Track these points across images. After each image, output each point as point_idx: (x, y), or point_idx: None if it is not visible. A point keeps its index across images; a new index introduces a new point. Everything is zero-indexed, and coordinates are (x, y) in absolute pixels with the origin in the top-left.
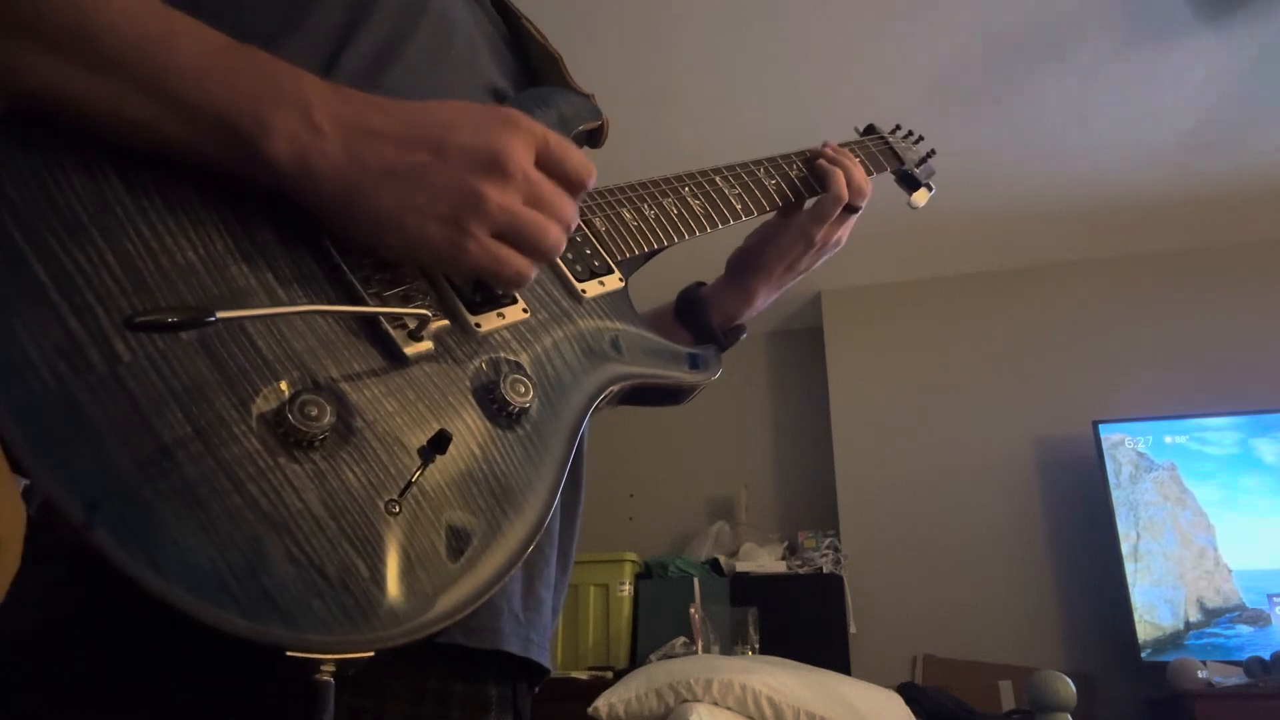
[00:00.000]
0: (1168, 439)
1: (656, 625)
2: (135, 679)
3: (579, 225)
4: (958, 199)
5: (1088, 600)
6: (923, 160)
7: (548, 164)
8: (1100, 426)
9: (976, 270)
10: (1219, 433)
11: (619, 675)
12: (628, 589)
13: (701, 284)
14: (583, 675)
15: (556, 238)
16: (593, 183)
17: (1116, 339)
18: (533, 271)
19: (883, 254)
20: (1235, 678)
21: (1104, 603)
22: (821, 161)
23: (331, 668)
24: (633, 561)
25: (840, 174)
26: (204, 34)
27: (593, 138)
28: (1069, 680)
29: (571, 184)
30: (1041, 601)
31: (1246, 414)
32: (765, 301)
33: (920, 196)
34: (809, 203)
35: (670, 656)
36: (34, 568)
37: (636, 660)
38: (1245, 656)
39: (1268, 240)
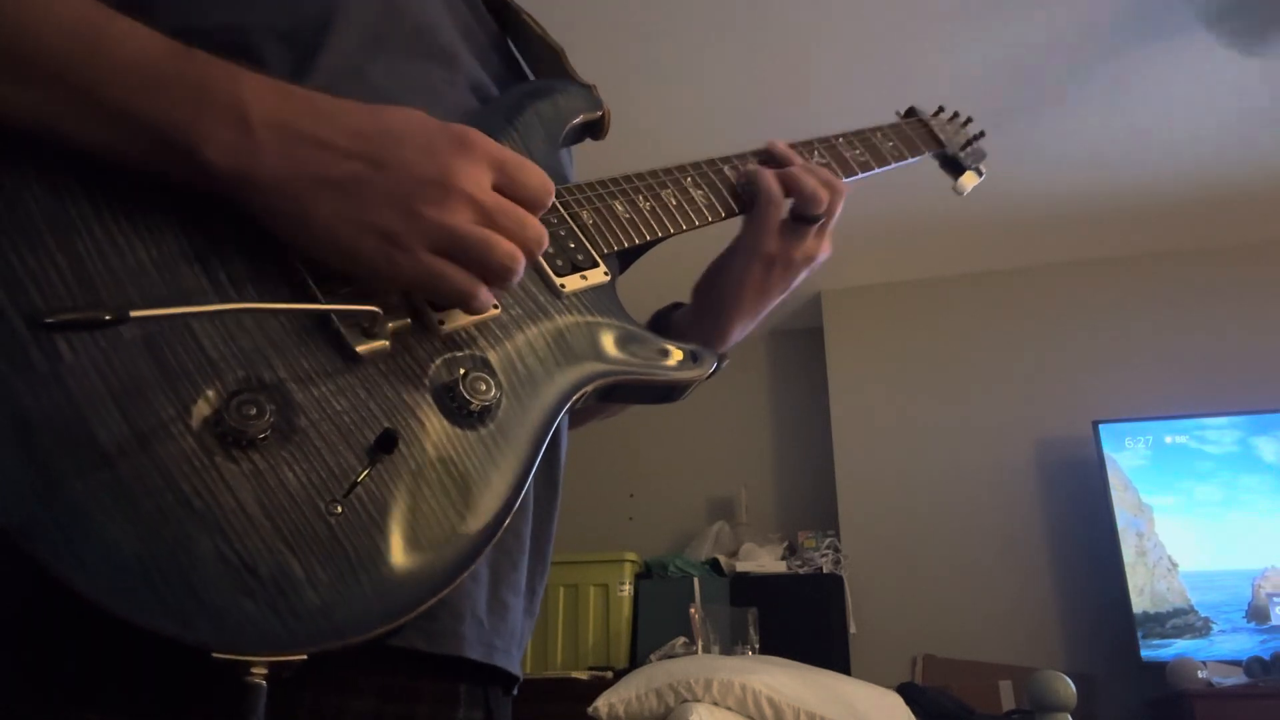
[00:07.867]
0: (1168, 439)
1: (656, 625)
2: (77, 686)
3: (565, 219)
4: (958, 199)
5: (1088, 600)
6: (969, 142)
7: (503, 186)
8: (1100, 426)
9: (976, 270)
10: (1219, 432)
11: (619, 675)
12: (628, 589)
13: (679, 305)
14: (583, 675)
15: (507, 251)
16: (550, 200)
17: (1116, 339)
18: (478, 289)
19: (883, 254)
20: (1235, 678)
21: (1104, 603)
22: (751, 168)
23: (263, 670)
24: (633, 561)
25: (768, 174)
26: (141, 40)
27: (593, 130)
28: (1069, 680)
29: (530, 205)
30: (1041, 601)
31: (1246, 414)
32: (744, 331)
33: (968, 180)
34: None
35: (670, 656)
36: None
37: (636, 660)
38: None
39: (1268, 240)
